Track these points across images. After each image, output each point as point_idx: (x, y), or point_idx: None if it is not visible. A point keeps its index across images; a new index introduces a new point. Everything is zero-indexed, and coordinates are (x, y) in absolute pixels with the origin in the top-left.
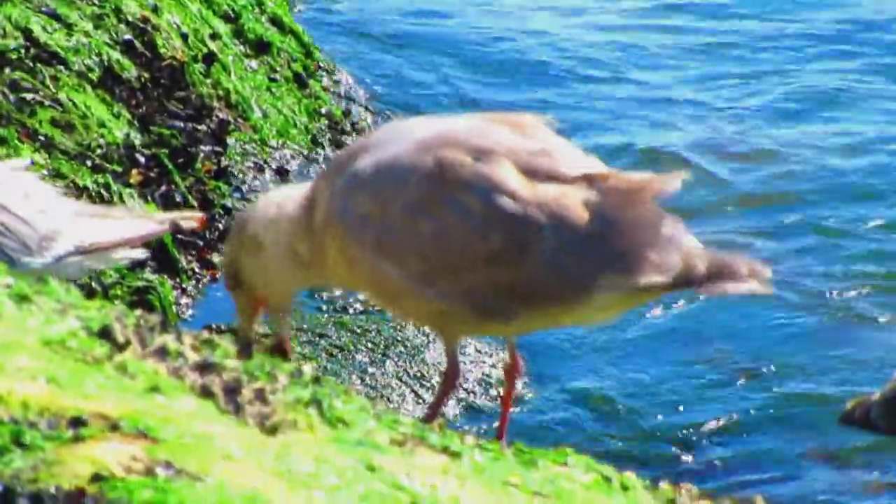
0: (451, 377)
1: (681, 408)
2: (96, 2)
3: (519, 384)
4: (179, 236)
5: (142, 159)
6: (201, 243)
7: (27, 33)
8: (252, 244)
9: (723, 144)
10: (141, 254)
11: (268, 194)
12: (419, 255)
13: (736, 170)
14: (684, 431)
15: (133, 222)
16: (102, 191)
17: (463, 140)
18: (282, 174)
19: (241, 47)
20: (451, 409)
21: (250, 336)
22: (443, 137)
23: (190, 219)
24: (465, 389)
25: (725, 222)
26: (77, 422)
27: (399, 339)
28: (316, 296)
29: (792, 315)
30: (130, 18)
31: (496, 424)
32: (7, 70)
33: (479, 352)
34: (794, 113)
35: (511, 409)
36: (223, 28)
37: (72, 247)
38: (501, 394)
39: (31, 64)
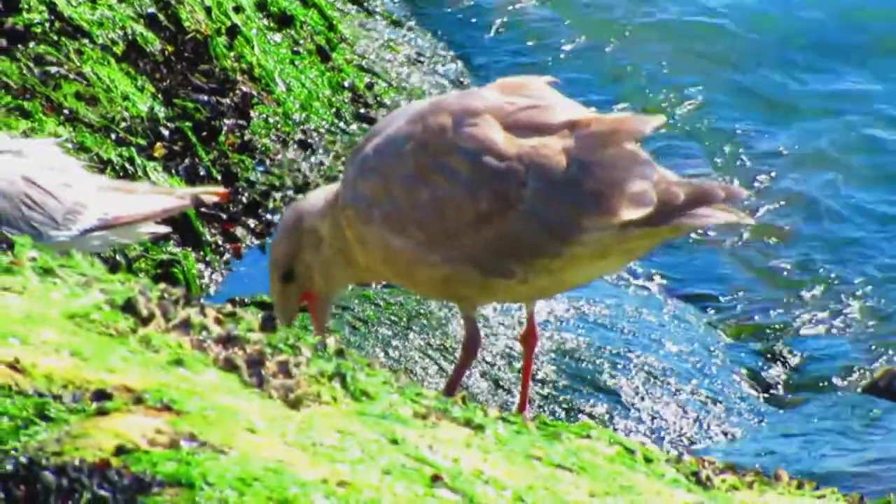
0: (471, 347)
1: (704, 380)
2: None
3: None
4: (203, 210)
5: (166, 133)
6: (225, 217)
7: (51, 7)
8: (312, 238)
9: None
10: (164, 228)
11: (316, 189)
12: (419, 223)
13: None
14: (707, 404)
15: (156, 197)
16: (126, 164)
17: (449, 105)
18: (305, 147)
19: (265, 20)
20: (475, 381)
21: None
22: (433, 105)
23: (212, 193)
24: (488, 362)
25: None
26: (101, 395)
27: (422, 311)
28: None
29: (813, 286)
30: None
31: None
32: (31, 44)
33: (502, 324)
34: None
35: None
36: (246, 1)
37: (96, 220)
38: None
39: (55, 38)
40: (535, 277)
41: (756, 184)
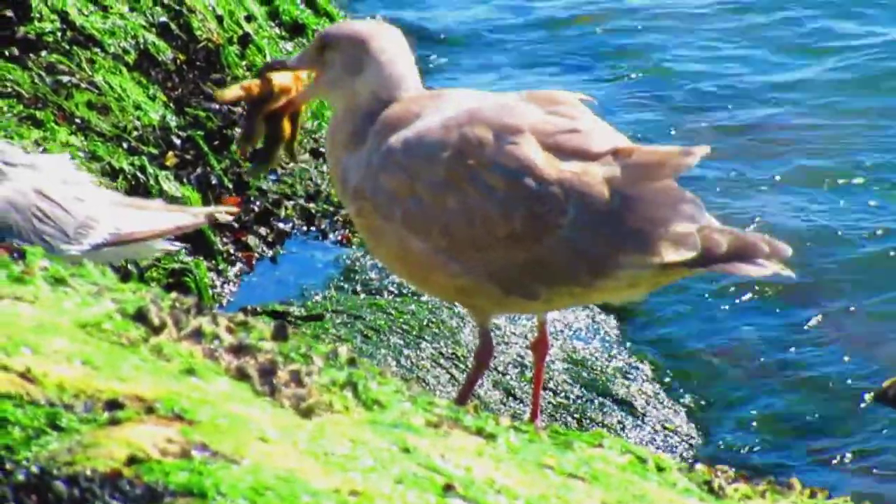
0: (483, 357)
1: (716, 390)
2: None
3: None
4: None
5: (177, 141)
6: (237, 226)
7: (63, 16)
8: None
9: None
10: (176, 245)
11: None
12: (444, 229)
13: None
14: (720, 413)
15: (169, 214)
16: (138, 173)
17: (489, 118)
18: (317, 156)
19: (276, 29)
20: (486, 390)
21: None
22: (470, 114)
23: (225, 212)
24: (500, 371)
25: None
26: (113, 404)
27: (434, 320)
28: (351, 278)
29: (823, 294)
30: (166, 1)
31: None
32: (44, 53)
33: (514, 333)
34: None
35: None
36: (258, 10)
37: (108, 235)
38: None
39: (67, 47)
40: (558, 299)
41: (759, 192)
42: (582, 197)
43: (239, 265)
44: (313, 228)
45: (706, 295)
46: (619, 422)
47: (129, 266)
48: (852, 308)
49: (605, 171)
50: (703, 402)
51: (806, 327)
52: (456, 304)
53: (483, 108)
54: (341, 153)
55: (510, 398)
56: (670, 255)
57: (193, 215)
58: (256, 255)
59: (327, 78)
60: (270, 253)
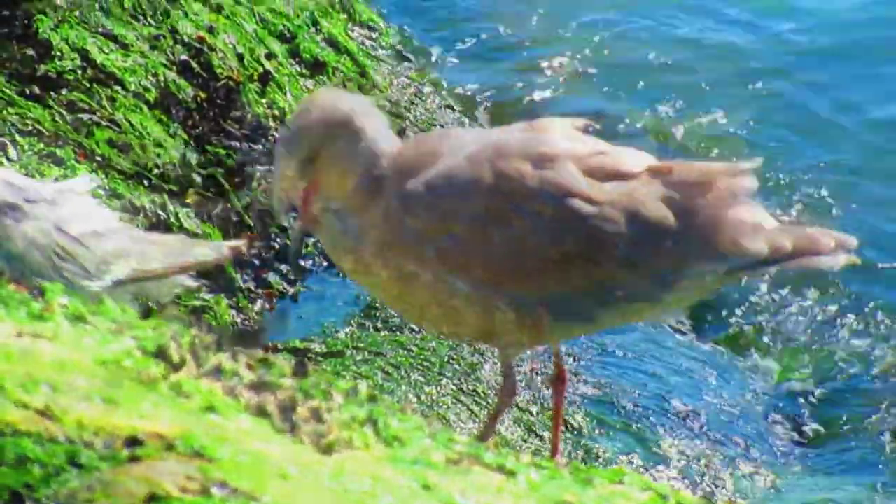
0: (508, 392)
1: (737, 423)
2: (153, 22)
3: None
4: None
5: (198, 179)
6: (258, 263)
7: (84, 54)
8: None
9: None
10: (194, 282)
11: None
12: (488, 262)
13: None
14: (740, 448)
15: (191, 249)
16: (159, 210)
17: (518, 149)
18: None
19: (297, 66)
20: (507, 427)
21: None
22: (496, 149)
23: (240, 247)
24: (519, 407)
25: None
26: (133, 441)
27: (454, 357)
28: (372, 315)
29: (850, 327)
30: (187, 39)
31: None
32: (64, 91)
33: (533, 369)
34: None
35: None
36: (279, 48)
37: (129, 271)
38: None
39: (87, 85)
40: (609, 319)
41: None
42: (635, 214)
43: (260, 302)
44: (334, 266)
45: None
46: (640, 457)
47: (150, 303)
48: (884, 339)
49: (652, 189)
50: (724, 437)
51: (831, 360)
52: (483, 343)
53: (506, 141)
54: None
55: (531, 434)
56: (738, 260)
57: (215, 249)
58: (277, 292)
59: (328, 182)
60: (291, 290)
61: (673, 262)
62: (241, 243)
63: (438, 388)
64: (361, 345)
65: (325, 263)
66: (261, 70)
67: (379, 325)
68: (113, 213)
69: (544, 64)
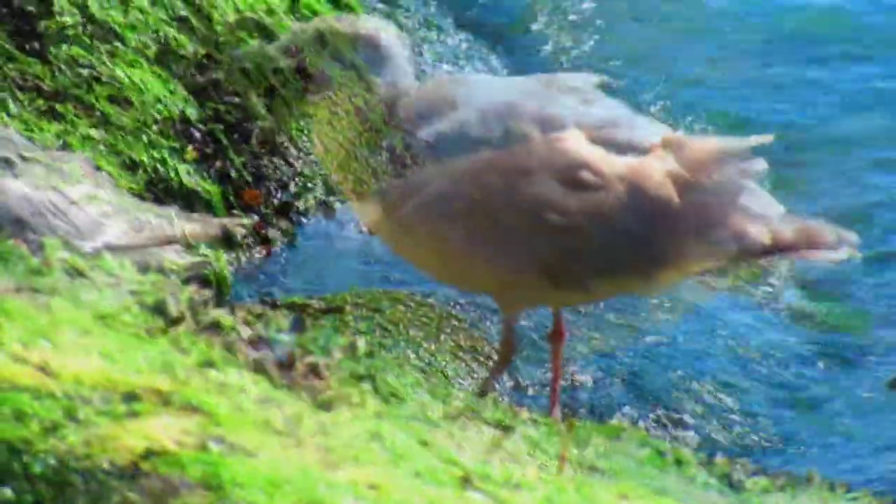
0: (507, 353)
1: (734, 386)
2: None
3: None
4: (235, 211)
5: (197, 135)
6: (256, 218)
7: (84, 10)
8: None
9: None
10: (185, 258)
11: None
12: (490, 218)
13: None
14: (737, 407)
15: (185, 223)
16: (158, 166)
17: (530, 111)
18: None
19: (297, 23)
20: (503, 383)
21: None
22: (508, 107)
23: (241, 224)
24: (517, 365)
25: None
26: (130, 397)
27: (453, 313)
28: (371, 270)
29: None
30: None
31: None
32: (64, 46)
33: (528, 326)
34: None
35: (560, 382)
36: (278, 3)
37: (121, 234)
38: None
39: (87, 40)
40: (608, 289)
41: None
42: (640, 189)
43: (258, 257)
44: (333, 221)
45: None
46: (639, 414)
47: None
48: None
49: (659, 164)
50: (726, 395)
51: (831, 328)
52: (489, 296)
53: (521, 99)
54: (363, 151)
55: (529, 390)
56: (735, 244)
57: (209, 225)
58: (276, 247)
59: (333, 76)
60: (290, 245)
61: (673, 240)
62: (234, 222)
63: (437, 345)
64: (360, 300)
65: (323, 220)
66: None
67: (376, 280)
68: (109, 178)
69: (547, 48)
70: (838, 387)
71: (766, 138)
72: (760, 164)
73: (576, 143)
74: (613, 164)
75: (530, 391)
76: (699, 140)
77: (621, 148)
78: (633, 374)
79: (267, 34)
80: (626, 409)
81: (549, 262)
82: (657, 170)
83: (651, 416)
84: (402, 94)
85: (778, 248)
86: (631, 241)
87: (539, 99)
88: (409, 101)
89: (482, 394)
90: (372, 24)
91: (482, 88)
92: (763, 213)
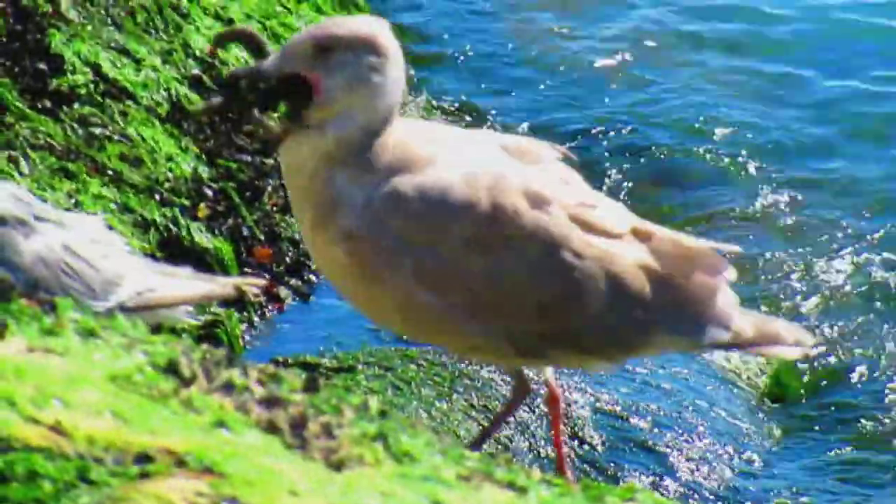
0: (519, 392)
1: (746, 439)
2: (164, 37)
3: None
4: (247, 269)
5: (209, 193)
6: (268, 277)
7: (96, 69)
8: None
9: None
10: (193, 316)
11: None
12: (467, 289)
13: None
14: (750, 463)
15: (197, 283)
16: (170, 224)
17: (517, 184)
18: None
19: None
20: (516, 443)
21: None
22: (494, 176)
23: (254, 284)
24: (527, 423)
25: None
26: (143, 457)
27: (465, 372)
28: (382, 329)
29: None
30: (198, 53)
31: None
32: (76, 105)
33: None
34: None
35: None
36: None
37: (134, 294)
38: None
39: (100, 99)
40: (565, 361)
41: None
42: (615, 276)
43: (270, 316)
44: None
45: None
46: (652, 473)
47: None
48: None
49: (635, 253)
50: (734, 453)
51: (842, 374)
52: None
53: (504, 169)
54: (336, 170)
55: (542, 451)
56: (701, 342)
57: (221, 285)
58: (288, 305)
59: (335, 84)
60: (301, 304)
61: (642, 330)
62: (247, 282)
63: (449, 404)
64: (372, 359)
65: None
66: None
67: (388, 338)
68: (122, 238)
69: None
70: (856, 442)
71: (734, 248)
72: (731, 272)
73: (561, 222)
74: (591, 247)
75: (542, 453)
76: (668, 234)
77: (594, 230)
78: (644, 434)
79: None
80: (640, 469)
81: (520, 338)
82: (631, 259)
83: (664, 476)
84: (386, 119)
85: (738, 345)
86: (602, 327)
87: (523, 174)
88: (385, 143)
89: (487, 435)
90: (373, 25)
91: (454, 145)
92: (726, 312)
